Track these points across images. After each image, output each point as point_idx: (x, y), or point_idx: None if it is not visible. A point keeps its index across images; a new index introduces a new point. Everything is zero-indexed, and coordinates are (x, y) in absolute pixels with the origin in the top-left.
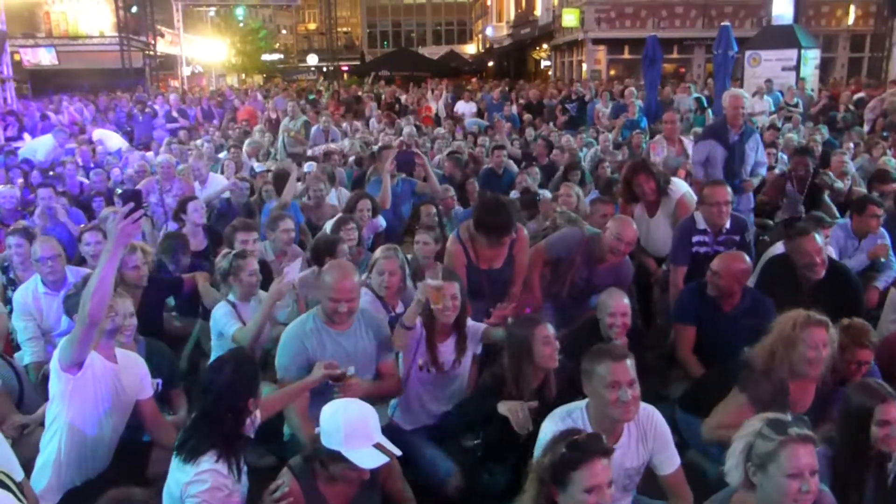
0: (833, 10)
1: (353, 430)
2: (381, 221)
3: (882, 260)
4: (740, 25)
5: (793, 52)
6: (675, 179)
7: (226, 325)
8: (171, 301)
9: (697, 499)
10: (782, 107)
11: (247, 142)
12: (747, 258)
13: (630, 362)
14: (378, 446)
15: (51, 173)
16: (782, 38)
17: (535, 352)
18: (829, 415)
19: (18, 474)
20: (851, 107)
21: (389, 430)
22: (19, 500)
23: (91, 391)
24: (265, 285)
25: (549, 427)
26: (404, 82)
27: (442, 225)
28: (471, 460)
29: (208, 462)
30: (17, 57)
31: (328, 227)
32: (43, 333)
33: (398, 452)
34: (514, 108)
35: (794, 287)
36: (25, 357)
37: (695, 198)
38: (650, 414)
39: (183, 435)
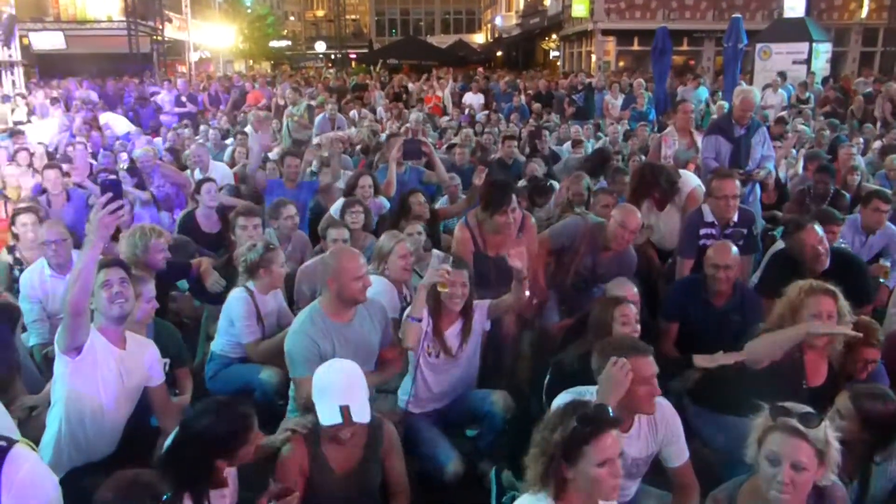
0: (846, 3)
1: (326, 384)
2: (384, 202)
3: (881, 280)
4: (751, 18)
5: (804, 46)
6: (685, 173)
7: (244, 325)
8: (183, 285)
9: (703, 490)
10: (793, 104)
11: (251, 113)
12: (733, 247)
13: (651, 358)
14: (345, 409)
15: (58, 156)
16: (793, 31)
17: (615, 331)
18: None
19: None
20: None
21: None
22: None
23: (91, 375)
24: None
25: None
26: (412, 71)
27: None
28: (471, 449)
29: None
30: (25, 41)
31: (334, 210)
32: (49, 316)
33: (365, 420)
34: (523, 99)
35: (799, 279)
36: (31, 338)
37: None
38: (662, 406)
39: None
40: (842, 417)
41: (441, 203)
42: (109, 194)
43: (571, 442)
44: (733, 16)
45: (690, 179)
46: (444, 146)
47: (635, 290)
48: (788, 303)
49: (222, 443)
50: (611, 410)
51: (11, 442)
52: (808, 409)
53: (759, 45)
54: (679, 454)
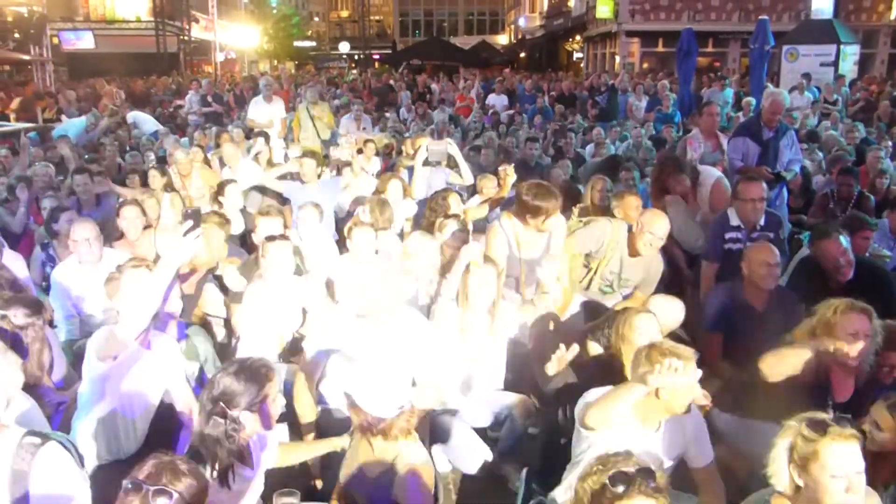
0: (875, 4)
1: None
2: (413, 205)
3: None
4: (778, 19)
5: (831, 48)
6: (705, 167)
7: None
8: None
9: (728, 496)
10: (817, 100)
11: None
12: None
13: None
14: None
15: (87, 156)
16: (821, 32)
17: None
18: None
19: None
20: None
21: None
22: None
23: (122, 378)
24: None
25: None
26: (435, 72)
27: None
28: (495, 450)
29: None
30: (55, 40)
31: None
32: (79, 313)
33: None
34: (546, 100)
35: (824, 287)
36: (61, 335)
37: (728, 184)
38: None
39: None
40: (880, 429)
41: (470, 204)
42: (190, 222)
43: (599, 496)
44: (760, 17)
45: (711, 171)
46: (467, 147)
47: (676, 315)
48: (822, 320)
49: (242, 390)
50: (657, 476)
51: (46, 438)
52: (830, 415)
53: (785, 47)
54: (704, 455)
